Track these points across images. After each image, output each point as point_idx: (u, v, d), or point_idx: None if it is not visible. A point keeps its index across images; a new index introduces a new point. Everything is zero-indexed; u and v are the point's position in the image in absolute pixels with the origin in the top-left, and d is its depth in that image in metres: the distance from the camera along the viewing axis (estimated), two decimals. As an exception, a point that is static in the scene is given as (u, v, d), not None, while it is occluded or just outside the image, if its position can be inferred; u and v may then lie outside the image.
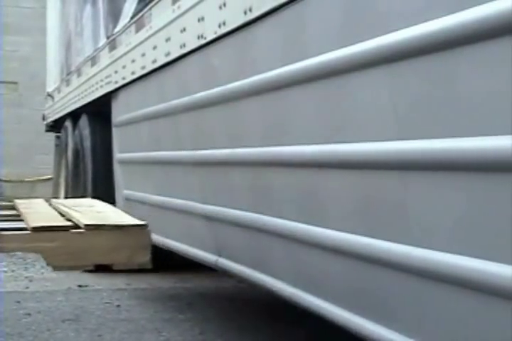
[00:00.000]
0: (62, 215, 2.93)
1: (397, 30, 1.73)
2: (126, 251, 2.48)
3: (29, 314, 4.08)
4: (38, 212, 3.04)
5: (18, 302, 4.42)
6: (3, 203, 3.81)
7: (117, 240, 2.47)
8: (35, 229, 2.47)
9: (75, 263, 2.48)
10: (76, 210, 2.94)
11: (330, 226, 2.16)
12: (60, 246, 2.44)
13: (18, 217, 3.01)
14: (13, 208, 3.47)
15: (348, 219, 2.07)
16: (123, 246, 2.48)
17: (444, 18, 1.55)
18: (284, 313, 3.96)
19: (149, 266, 2.56)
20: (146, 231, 2.51)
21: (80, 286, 4.99)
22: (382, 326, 1.94)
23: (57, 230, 2.48)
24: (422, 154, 1.68)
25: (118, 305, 4.33)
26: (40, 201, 3.69)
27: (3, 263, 6.03)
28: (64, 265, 2.49)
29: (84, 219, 2.58)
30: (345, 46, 1.96)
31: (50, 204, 3.49)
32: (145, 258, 2.51)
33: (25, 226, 2.63)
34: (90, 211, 2.97)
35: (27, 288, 4.94)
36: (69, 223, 2.58)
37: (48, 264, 2.49)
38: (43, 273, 5.51)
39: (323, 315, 2.26)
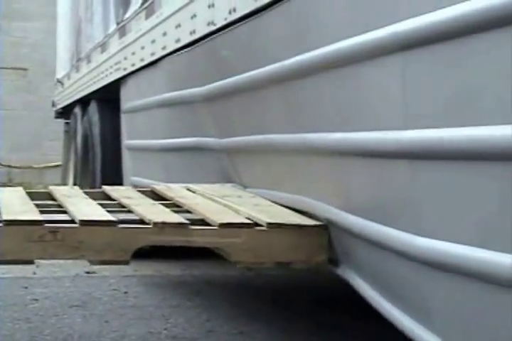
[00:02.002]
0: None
1: (409, 17, 1.72)
2: (306, 250, 2.48)
3: (36, 299, 4.09)
4: (199, 203, 2.94)
5: (26, 287, 4.42)
6: (143, 189, 3.55)
7: (298, 239, 2.46)
8: (222, 225, 2.47)
9: (257, 259, 2.48)
10: (234, 202, 2.87)
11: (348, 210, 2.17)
12: (243, 242, 2.44)
13: (179, 208, 2.92)
14: (154, 193, 3.36)
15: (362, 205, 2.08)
16: (303, 245, 2.47)
17: (457, 5, 1.54)
18: (292, 301, 3.96)
19: (326, 266, 2.54)
20: (326, 231, 2.49)
21: (87, 273, 4.99)
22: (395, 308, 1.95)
23: (242, 227, 2.48)
24: (430, 143, 1.68)
25: (125, 292, 4.33)
26: (179, 187, 3.50)
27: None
28: (246, 261, 2.49)
29: (261, 216, 2.56)
30: (357, 35, 1.95)
31: (190, 191, 3.33)
32: (323, 257, 2.50)
33: (198, 217, 2.63)
34: (249, 203, 2.89)
35: (34, 273, 4.95)
36: (248, 220, 2.56)
37: (231, 261, 2.49)
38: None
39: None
